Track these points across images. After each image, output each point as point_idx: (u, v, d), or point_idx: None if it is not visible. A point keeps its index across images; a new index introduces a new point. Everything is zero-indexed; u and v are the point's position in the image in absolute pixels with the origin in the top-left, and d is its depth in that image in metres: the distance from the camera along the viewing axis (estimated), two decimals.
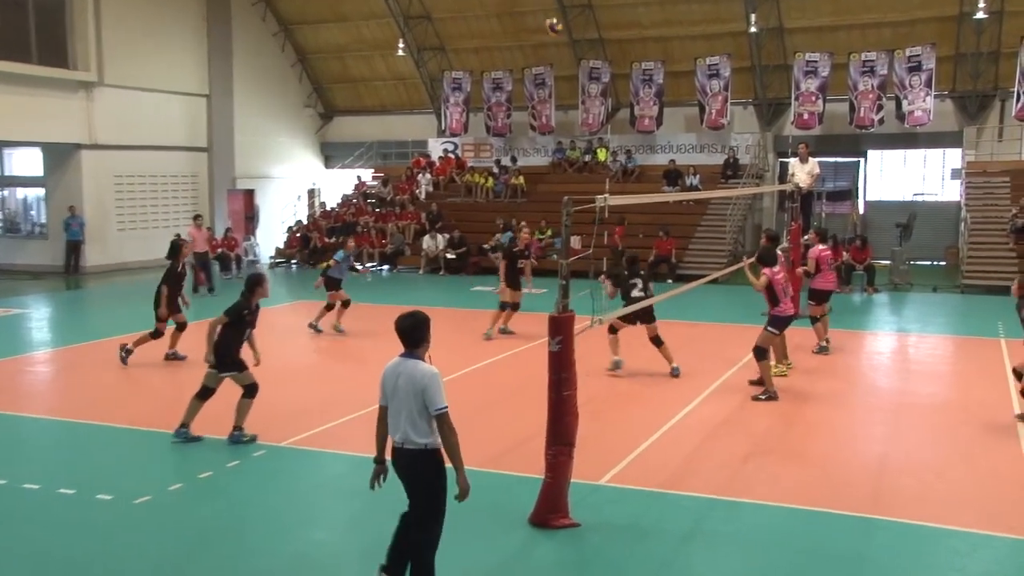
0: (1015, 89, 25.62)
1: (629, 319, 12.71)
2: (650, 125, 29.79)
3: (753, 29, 27.36)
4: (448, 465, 6.06)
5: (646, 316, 12.89)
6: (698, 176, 28.07)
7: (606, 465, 9.07)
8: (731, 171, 28.35)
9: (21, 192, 29.73)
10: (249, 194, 32.40)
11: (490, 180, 30.51)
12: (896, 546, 7.34)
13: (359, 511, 8.19)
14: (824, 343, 14.92)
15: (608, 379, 12.88)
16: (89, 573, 6.97)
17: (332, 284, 16.78)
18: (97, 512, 8.04)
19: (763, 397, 11.82)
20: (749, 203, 28.44)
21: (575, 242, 8.84)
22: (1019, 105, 25.61)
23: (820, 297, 14.96)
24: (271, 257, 30.07)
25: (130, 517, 7.93)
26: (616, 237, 24.49)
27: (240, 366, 10.00)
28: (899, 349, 16.21)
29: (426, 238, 27.53)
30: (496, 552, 7.19)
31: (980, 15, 25.04)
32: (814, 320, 15.03)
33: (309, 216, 32.59)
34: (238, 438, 9.86)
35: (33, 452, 10.16)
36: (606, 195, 7.99)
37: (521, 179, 30.10)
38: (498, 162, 31.19)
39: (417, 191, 31.12)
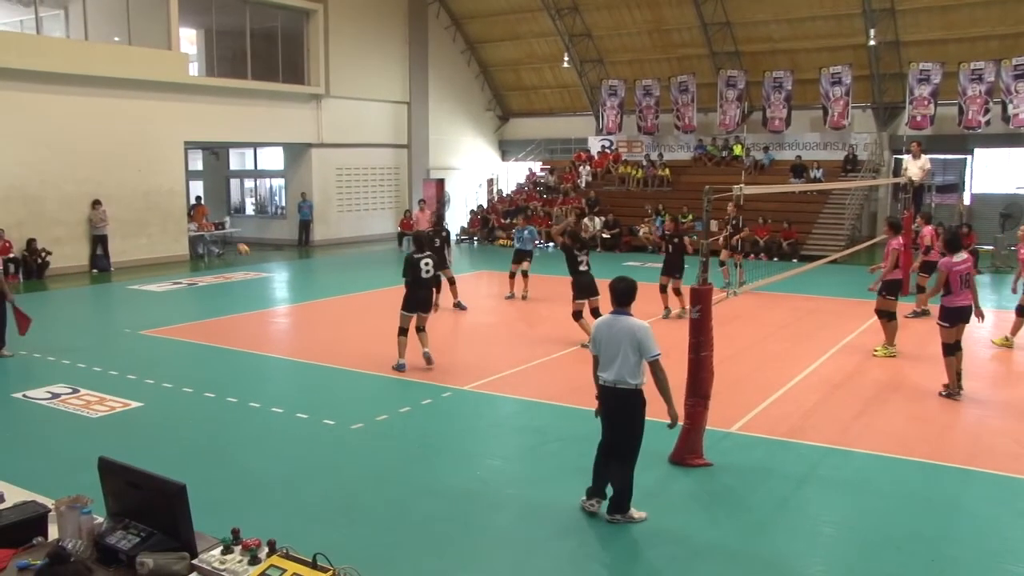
0: None
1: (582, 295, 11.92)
2: (780, 126, 28.61)
3: (872, 43, 25.77)
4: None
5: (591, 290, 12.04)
6: (821, 170, 26.85)
7: (736, 416, 8.90)
8: (850, 166, 26.99)
9: (268, 182, 31.34)
10: (440, 183, 33.14)
11: (640, 172, 30.12)
12: (992, 495, 6.92)
13: (527, 445, 8.32)
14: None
15: (736, 340, 12.44)
16: (317, 474, 7.36)
17: (521, 256, 16.66)
18: (323, 432, 8.53)
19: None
20: (866, 194, 26.95)
21: (713, 226, 8.81)
22: None
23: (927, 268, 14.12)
24: (456, 235, 30.64)
25: (347, 438, 8.36)
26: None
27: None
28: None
29: (585, 220, 27.44)
30: (641, 484, 7.08)
31: None
32: (921, 289, 14.23)
33: (488, 201, 33.06)
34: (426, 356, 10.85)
35: (276, 384, 10.84)
36: (741, 184, 8.09)
37: (667, 171, 29.56)
38: (647, 156, 30.73)
39: (578, 180, 31.08)
